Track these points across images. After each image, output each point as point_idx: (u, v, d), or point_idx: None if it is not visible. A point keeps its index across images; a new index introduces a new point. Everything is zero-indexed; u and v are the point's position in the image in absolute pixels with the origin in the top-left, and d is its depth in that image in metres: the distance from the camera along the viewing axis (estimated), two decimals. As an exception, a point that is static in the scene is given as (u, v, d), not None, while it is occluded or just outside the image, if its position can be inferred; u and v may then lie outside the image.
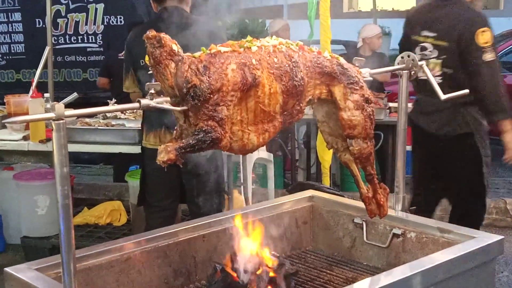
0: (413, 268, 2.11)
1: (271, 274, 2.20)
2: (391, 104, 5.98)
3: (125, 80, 3.67)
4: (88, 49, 8.10)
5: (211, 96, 1.86)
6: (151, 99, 1.85)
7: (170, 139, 2.03)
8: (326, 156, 5.42)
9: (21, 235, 4.95)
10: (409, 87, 2.69)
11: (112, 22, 7.96)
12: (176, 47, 1.85)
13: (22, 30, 8.23)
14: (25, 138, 4.45)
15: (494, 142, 3.97)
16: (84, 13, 7.99)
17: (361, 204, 2.48)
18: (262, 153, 4.71)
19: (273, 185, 5.12)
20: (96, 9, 7.96)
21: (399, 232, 2.56)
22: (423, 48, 3.87)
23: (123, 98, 4.42)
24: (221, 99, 1.88)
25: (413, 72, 2.58)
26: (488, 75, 3.70)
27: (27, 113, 4.31)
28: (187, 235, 2.46)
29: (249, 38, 2.06)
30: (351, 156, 2.33)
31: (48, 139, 4.27)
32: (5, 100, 4.78)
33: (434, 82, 2.67)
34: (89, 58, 8.12)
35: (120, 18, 7.91)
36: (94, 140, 4.37)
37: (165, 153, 1.84)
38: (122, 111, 4.74)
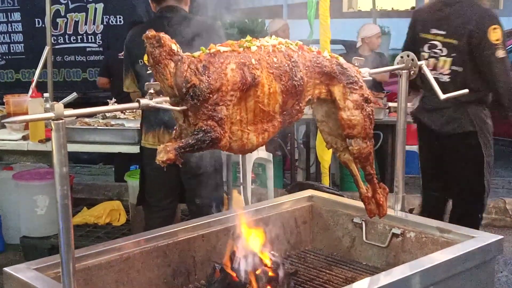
0: (413, 268, 2.11)
1: (270, 273, 2.20)
2: (390, 104, 5.99)
3: (125, 79, 3.67)
4: (88, 49, 8.09)
5: (211, 95, 1.86)
6: (151, 99, 1.85)
7: (170, 139, 2.03)
8: (325, 156, 5.42)
9: (20, 235, 4.95)
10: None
11: (112, 22, 7.95)
12: (175, 46, 1.85)
13: (21, 30, 8.21)
14: (25, 138, 4.44)
15: (497, 142, 3.98)
16: (84, 13, 7.99)
17: (360, 204, 2.48)
18: (262, 153, 4.71)
19: (273, 185, 5.12)
20: (95, 9, 7.95)
21: (398, 232, 2.56)
22: (433, 46, 3.88)
23: (123, 98, 4.42)
24: (220, 98, 1.88)
25: (412, 71, 2.58)
26: (501, 72, 3.74)
27: (26, 113, 4.31)
28: (186, 235, 2.46)
29: (248, 37, 2.06)
30: (350, 155, 2.33)
31: (48, 139, 4.27)
32: (4, 100, 4.78)
33: (434, 82, 2.68)
34: (89, 58, 8.11)
35: (120, 18, 7.90)
36: (93, 140, 4.36)
37: (165, 152, 1.84)
38: (122, 111, 4.74)
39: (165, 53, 1.82)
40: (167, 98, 1.91)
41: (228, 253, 2.29)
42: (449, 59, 3.80)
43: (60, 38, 8.02)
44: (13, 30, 8.24)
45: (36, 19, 8.00)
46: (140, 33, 1.92)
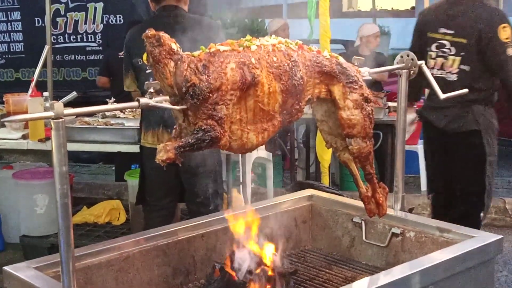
0: (412, 267, 2.11)
1: (270, 273, 2.20)
2: (390, 104, 5.99)
3: (126, 79, 3.67)
4: (88, 48, 8.09)
5: (210, 95, 1.86)
6: (150, 98, 1.85)
7: (169, 138, 2.03)
8: (325, 156, 5.42)
9: (20, 234, 4.95)
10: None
11: (112, 21, 7.95)
12: (175, 46, 1.85)
13: (21, 29, 8.21)
14: (24, 137, 4.44)
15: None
16: (84, 12, 7.98)
17: (360, 204, 2.48)
18: (261, 152, 4.71)
19: (272, 184, 5.12)
20: (95, 8, 7.95)
21: (398, 231, 2.56)
22: (441, 46, 3.90)
23: (123, 97, 4.42)
24: (220, 98, 1.88)
25: (412, 71, 2.58)
26: None
27: (26, 112, 4.30)
28: (186, 234, 2.46)
29: (248, 37, 2.06)
30: (350, 155, 2.33)
31: (47, 138, 4.27)
32: (4, 99, 4.78)
33: (433, 81, 2.68)
34: (89, 57, 8.11)
35: (120, 17, 7.90)
36: (93, 139, 4.36)
37: (164, 152, 1.84)
38: (121, 110, 4.74)
39: (165, 52, 1.82)
40: (167, 97, 1.91)
41: (227, 253, 2.29)
42: (458, 58, 3.83)
43: (60, 37, 8.02)
44: (13, 29, 8.24)
45: (36, 18, 7.99)
46: (140, 32, 1.92)
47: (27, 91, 4.68)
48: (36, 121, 4.14)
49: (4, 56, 8.35)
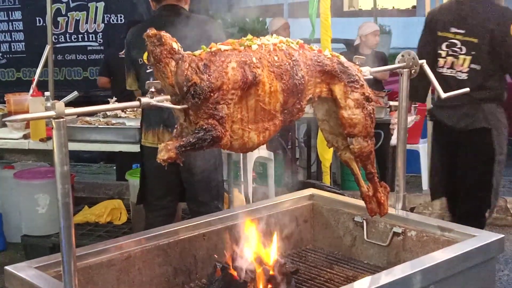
0: (414, 266, 2.11)
1: (271, 272, 2.20)
2: (391, 103, 5.98)
3: (127, 78, 3.67)
4: (89, 48, 8.10)
5: (212, 94, 1.86)
6: (152, 98, 1.85)
7: (171, 138, 2.03)
8: (326, 155, 5.42)
9: (21, 234, 4.94)
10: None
11: (113, 20, 7.96)
12: (176, 45, 1.85)
13: (22, 28, 8.22)
14: (26, 136, 4.44)
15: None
16: (85, 12, 7.99)
17: (361, 203, 2.48)
18: (263, 151, 4.71)
19: (273, 183, 5.11)
20: (96, 7, 7.96)
21: (399, 230, 2.56)
22: (452, 45, 3.91)
23: (124, 97, 4.42)
24: (221, 97, 1.88)
25: (413, 70, 2.58)
26: None
27: (27, 112, 4.30)
28: (187, 233, 2.46)
29: (249, 36, 2.06)
30: (351, 154, 2.33)
31: (49, 138, 4.27)
32: (5, 99, 4.78)
33: (435, 80, 2.68)
34: (90, 56, 8.12)
35: (121, 16, 7.91)
36: (94, 138, 4.36)
37: (165, 151, 1.84)
38: (123, 109, 4.74)
39: (166, 51, 1.82)
40: (168, 97, 1.91)
41: (229, 252, 2.29)
42: (468, 57, 3.84)
43: (61, 37, 8.03)
44: (14, 29, 8.25)
45: (37, 18, 8.00)
46: (141, 31, 1.92)
47: (28, 91, 4.68)
48: (37, 121, 4.14)
49: (5, 56, 8.36)
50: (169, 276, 2.40)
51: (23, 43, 8.26)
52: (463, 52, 3.87)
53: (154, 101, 1.85)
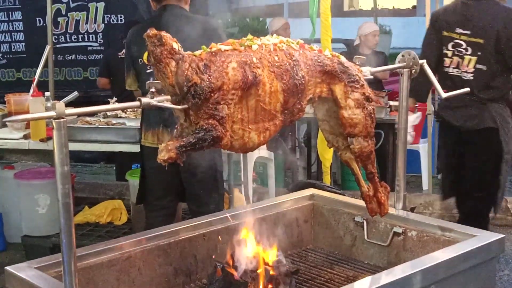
0: (414, 266, 2.11)
1: (272, 272, 2.20)
2: (391, 103, 5.98)
3: (127, 78, 3.67)
4: (89, 48, 8.10)
5: (212, 94, 1.86)
6: (152, 98, 1.85)
7: (171, 138, 2.02)
8: (326, 155, 5.42)
9: (21, 234, 4.95)
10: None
11: (113, 21, 7.96)
12: (176, 45, 1.85)
13: (22, 29, 8.22)
14: (26, 136, 4.44)
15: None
16: (85, 12, 7.99)
17: (361, 203, 2.48)
18: (263, 151, 4.71)
19: (274, 183, 5.11)
20: (96, 8, 7.96)
21: (400, 230, 2.56)
22: (457, 45, 3.93)
23: (124, 97, 4.42)
24: (221, 97, 1.88)
25: (414, 70, 2.58)
26: None
27: (27, 112, 4.30)
28: (187, 233, 2.45)
29: (249, 36, 2.06)
30: (352, 154, 2.33)
31: (49, 138, 4.27)
32: (5, 99, 4.78)
33: (435, 80, 2.69)
34: (90, 57, 8.12)
35: (121, 17, 7.91)
36: (94, 138, 4.36)
37: (166, 151, 1.84)
38: (123, 109, 4.75)
39: (166, 51, 1.82)
40: (169, 97, 1.90)
41: (229, 252, 2.29)
42: (474, 58, 3.86)
43: (61, 37, 8.03)
44: (14, 29, 8.24)
45: (37, 18, 8.00)
46: (140, 32, 1.92)
47: (28, 91, 4.68)
48: (38, 121, 4.14)
49: (5, 56, 8.36)
50: (170, 276, 2.40)
51: (23, 44, 8.26)
52: (468, 53, 3.88)
53: (155, 101, 1.85)
